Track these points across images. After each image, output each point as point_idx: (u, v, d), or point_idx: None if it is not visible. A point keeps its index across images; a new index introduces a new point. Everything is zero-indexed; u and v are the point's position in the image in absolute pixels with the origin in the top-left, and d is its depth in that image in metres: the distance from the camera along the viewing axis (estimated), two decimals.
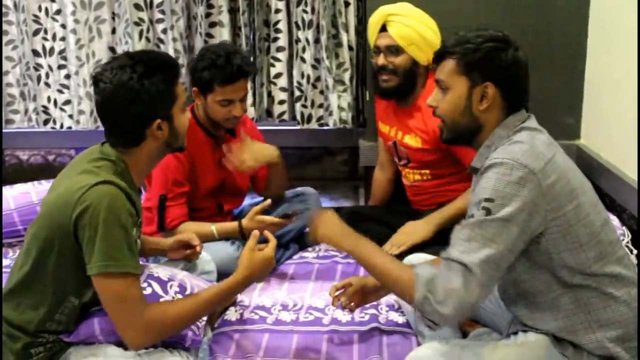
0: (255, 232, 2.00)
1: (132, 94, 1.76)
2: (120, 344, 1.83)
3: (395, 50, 2.62)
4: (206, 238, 2.51)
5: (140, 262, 1.99)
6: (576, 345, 1.68)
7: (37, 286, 1.78)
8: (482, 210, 1.60)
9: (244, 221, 2.54)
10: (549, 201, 1.62)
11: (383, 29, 2.65)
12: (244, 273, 1.90)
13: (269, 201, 2.55)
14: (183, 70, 3.20)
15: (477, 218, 1.61)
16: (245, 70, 2.50)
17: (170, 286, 1.99)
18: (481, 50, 1.73)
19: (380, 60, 2.66)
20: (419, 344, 2.09)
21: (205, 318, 2.07)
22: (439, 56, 1.80)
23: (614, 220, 2.47)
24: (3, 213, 2.78)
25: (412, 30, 2.60)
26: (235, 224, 2.56)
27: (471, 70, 1.74)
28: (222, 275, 2.30)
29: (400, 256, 2.30)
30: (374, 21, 2.68)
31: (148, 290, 1.92)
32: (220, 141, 2.66)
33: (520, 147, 1.66)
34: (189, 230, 2.48)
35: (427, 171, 2.71)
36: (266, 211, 2.70)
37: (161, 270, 2.04)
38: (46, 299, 1.78)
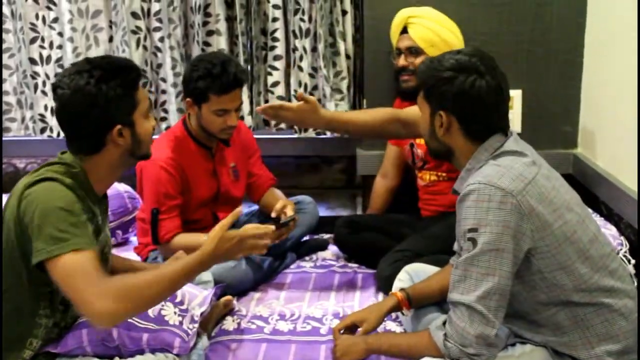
0: (237, 210, 1.88)
1: (90, 98, 1.73)
2: (108, 356, 1.83)
3: (415, 51, 2.69)
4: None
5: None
6: (575, 359, 1.68)
7: (14, 292, 1.76)
8: (468, 242, 1.62)
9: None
10: (533, 221, 1.62)
11: (404, 31, 2.72)
12: (208, 248, 1.76)
13: (272, 228, 2.47)
14: (180, 80, 3.20)
15: (467, 255, 1.62)
16: (240, 79, 2.50)
17: None
18: (434, 78, 1.75)
19: (401, 61, 2.72)
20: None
21: (196, 326, 2.05)
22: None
23: (611, 229, 2.46)
24: None
25: (432, 32, 2.67)
26: None
27: (429, 97, 1.79)
28: (219, 284, 2.31)
29: (397, 269, 2.28)
30: (395, 23, 2.76)
31: None
32: (214, 152, 2.65)
33: (497, 170, 1.66)
34: (183, 242, 2.48)
35: (444, 174, 2.71)
36: (262, 219, 2.70)
37: None
38: (26, 300, 1.76)
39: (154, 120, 1.93)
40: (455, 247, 2.02)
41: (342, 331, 2.02)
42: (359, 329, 2.00)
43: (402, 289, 2.06)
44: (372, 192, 3.06)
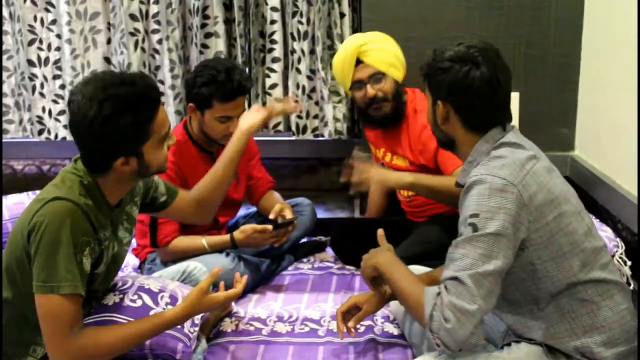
0: (214, 271, 1.96)
1: (93, 131, 1.68)
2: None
3: (379, 77, 2.61)
4: (198, 252, 2.51)
5: (132, 273, 1.99)
6: (569, 356, 1.69)
7: (18, 297, 1.77)
8: (469, 227, 1.63)
9: (236, 233, 2.55)
10: (531, 212, 1.64)
11: (358, 62, 2.61)
12: (186, 310, 1.86)
13: (270, 228, 2.52)
14: (178, 82, 3.20)
15: (466, 235, 1.63)
16: (245, 87, 2.49)
17: (161, 297, 1.99)
18: (433, 68, 1.78)
19: (369, 91, 2.61)
20: (414, 356, 2.09)
21: (196, 329, 2.06)
22: None
23: (607, 231, 2.47)
24: None
25: (386, 53, 2.62)
26: (227, 236, 2.56)
27: (429, 87, 1.82)
28: (217, 286, 2.30)
29: None
30: (346, 60, 2.62)
31: (138, 303, 1.92)
32: (215, 156, 2.65)
33: (499, 161, 1.68)
34: (181, 245, 2.49)
35: None
36: (260, 221, 2.71)
37: (152, 282, 2.04)
38: (30, 309, 1.75)
39: (173, 139, 1.87)
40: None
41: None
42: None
43: None
44: (368, 197, 3.07)
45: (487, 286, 1.59)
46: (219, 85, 2.43)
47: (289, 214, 2.58)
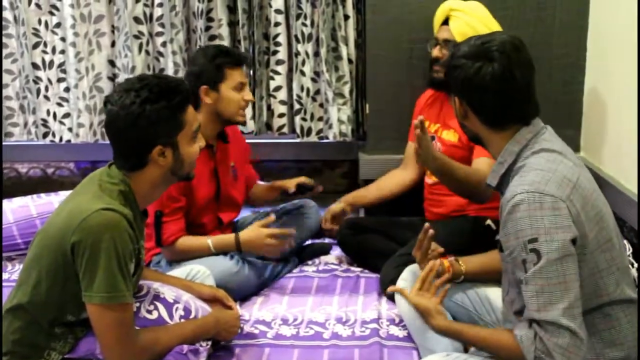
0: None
1: (132, 118, 1.76)
2: None
3: (451, 44, 2.63)
4: (202, 252, 2.51)
5: (145, 281, 2.01)
6: None
7: (36, 304, 1.78)
8: (531, 254, 1.56)
9: (241, 233, 2.54)
10: (578, 227, 1.58)
11: (445, 22, 2.70)
12: (213, 316, 2.07)
13: (272, 217, 2.58)
14: None
15: (534, 268, 1.55)
16: (245, 57, 2.63)
17: (176, 309, 1.99)
18: (448, 66, 1.77)
19: (436, 52, 2.71)
20: (420, 358, 2.08)
21: (209, 343, 2.07)
22: None
23: None
24: (3, 227, 2.77)
25: (471, 29, 2.61)
26: (231, 236, 2.56)
27: (450, 84, 1.80)
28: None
29: (401, 273, 2.27)
30: (438, 13, 2.74)
31: (154, 315, 1.93)
32: (215, 150, 2.64)
33: (542, 175, 1.61)
34: (186, 244, 2.49)
35: None
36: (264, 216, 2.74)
37: (167, 291, 2.03)
38: (45, 317, 1.78)
39: (202, 141, 1.94)
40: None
41: None
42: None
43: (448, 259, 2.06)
44: (386, 175, 2.98)
45: (577, 313, 1.55)
46: (227, 54, 2.54)
47: (308, 181, 2.70)
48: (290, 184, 2.89)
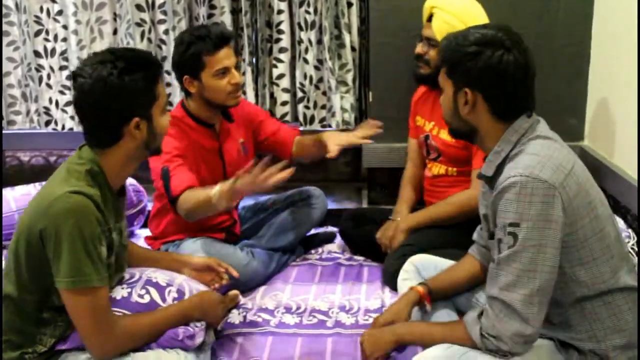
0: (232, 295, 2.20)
1: (111, 89, 1.72)
2: None
3: (432, 43, 2.60)
4: (207, 202, 2.22)
5: (138, 268, 2.00)
6: (581, 351, 1.67)
7: (21, 291, 1.77)
8: (508, 237, 1.57)
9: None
10: (568, 215, 1.58)
11: (429, 19, 2.64)
12: (197, 295, 1.99)
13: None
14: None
15: (508, 251, 1.57)
16: (227, 36, 2.46)
17: (169, 292, 1.95)
18: (458, 54, 1.68)
19: (418, 49, 2.67)
20: (423, 348, 2.08)
21: (204, 323, 2.05)
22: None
23: (619, 222, 2.45)
24: (4, 215, 2.77)
25: (451, 28, 2.49)
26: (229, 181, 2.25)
27: (453, 75, 1.72)
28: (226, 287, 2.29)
29: (404, 258, 2.28)
30: (424, 9, 2.68)
31: (146, 299, 1.90)
32: (218, 130, 2.59)
33: (537, 160, 1.60)
34: (193, 194, 2.29)
35: (455, 168, 2.67)
36: (248, 218, 2.81)
37: (159, 275, 2.01)
38: (30, 303, 1.77)
39: (169, 115, 1.92)
40: (475, 236, 1.99)
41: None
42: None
43: (421, 283, 2.02)
44: (406, 183, 2.90)
45: (536, 303, 1.57)
46: (202, 40, 2.40)
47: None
48: (333, 148, 2.56)
